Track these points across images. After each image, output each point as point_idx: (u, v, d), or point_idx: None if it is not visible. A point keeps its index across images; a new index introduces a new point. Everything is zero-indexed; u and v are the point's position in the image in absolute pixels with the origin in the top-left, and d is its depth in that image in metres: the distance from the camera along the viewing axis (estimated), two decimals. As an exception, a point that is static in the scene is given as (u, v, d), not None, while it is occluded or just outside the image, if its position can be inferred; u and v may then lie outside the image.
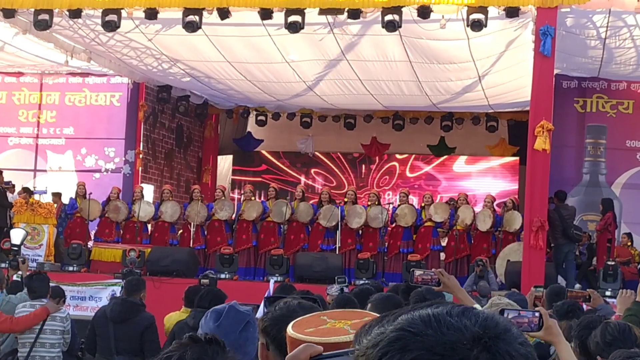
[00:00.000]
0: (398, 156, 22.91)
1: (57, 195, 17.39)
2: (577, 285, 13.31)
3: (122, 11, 13.99)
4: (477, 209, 17.00)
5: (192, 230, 16.58)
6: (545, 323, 3.24)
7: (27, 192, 16.84)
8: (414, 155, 22.84)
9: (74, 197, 17.04)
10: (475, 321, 1.24)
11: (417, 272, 4.80)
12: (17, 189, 17.70)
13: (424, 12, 13.13)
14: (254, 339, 3.31)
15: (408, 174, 22.99)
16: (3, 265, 13.87)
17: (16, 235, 14.57)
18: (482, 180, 22.44)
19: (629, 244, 16.62)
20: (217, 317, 3.51)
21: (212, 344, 1.53)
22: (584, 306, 7.03)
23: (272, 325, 2.65)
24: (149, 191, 19.03)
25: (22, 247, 14.52)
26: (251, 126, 23.19)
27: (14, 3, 14.04)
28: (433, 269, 5.25)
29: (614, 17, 13.73)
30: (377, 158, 22.99)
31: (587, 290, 7.34)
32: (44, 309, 8.16)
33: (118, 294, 11.75)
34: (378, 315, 1.45)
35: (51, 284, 8.82)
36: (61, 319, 8.23)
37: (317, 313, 2.20)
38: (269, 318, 2.71)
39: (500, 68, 16.01)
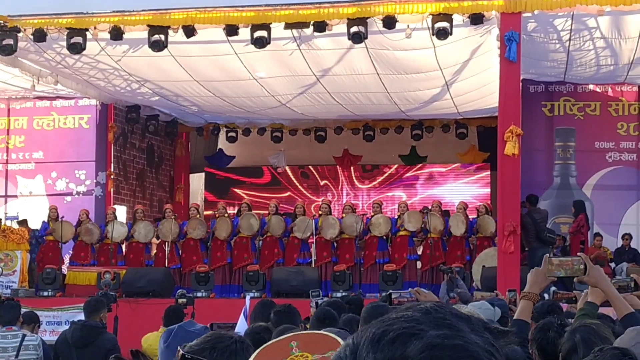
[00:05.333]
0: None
1: (23, 224, 17.01)
2: (553, 288, 13.35)
3: (87, 33, 13.95)
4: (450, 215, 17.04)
5: (166, 249, 16.51)
6: (589, 269, 3.48)
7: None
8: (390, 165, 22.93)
9: (46, 220, 16.92)
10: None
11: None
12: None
13: (389, 23, 13.20)
14: None
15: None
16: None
17: None
18: (454, 187, 22.52)
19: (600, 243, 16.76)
20: (166, 337, 3.47)
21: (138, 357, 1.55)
22: (564, 307, 7.02)
23: (193, 352, 2.60)
24: (121, 212, 18.91)
25: None
26: (222, 143, 23.16)
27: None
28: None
29: (575, 21, 13.85)
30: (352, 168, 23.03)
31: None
32: None
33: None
34: (341, 344, 1.43)
35: (25, 310, 8.70)
36: (34, 346, 8.05)
37: (289, 336, 2.12)
38: (189, 346, 2.64)
39: (467, 75, 16.08)
